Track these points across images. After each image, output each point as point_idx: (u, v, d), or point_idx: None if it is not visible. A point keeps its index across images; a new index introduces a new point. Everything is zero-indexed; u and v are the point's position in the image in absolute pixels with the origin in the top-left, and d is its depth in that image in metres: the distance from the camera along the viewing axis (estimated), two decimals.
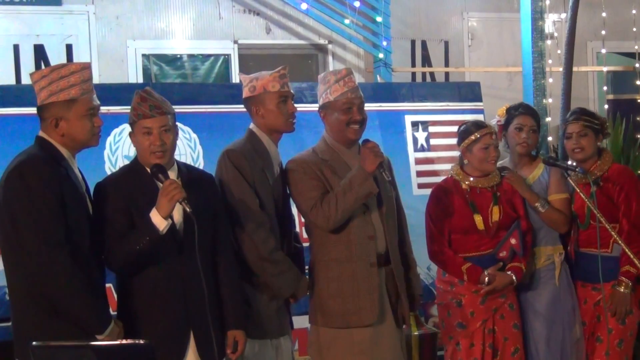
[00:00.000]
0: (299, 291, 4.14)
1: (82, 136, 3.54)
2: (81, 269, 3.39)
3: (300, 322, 4.49)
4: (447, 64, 8.19)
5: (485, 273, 4.52)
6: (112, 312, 3.68)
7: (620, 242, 4.38)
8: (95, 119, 3.55)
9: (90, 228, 3.58)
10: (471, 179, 4.66)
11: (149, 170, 3.68)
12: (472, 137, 4.62)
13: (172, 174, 3.73)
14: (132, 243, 3.56)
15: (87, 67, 3.61)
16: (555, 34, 7.30)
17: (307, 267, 4.29)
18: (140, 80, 7.14)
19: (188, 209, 3.52)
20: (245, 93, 4.18)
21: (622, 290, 4.56)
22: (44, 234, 3.34)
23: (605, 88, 7.59)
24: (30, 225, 3.35)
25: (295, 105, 5.62)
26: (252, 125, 4.17)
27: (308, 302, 4.25)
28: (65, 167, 3.50)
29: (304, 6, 7.20)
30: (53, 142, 3.53)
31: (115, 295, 3.85)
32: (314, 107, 5.66)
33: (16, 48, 6.88)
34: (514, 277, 4.55)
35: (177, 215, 3.64)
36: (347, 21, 7.24)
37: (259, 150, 4.10)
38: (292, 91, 4.19)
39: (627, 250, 4.33)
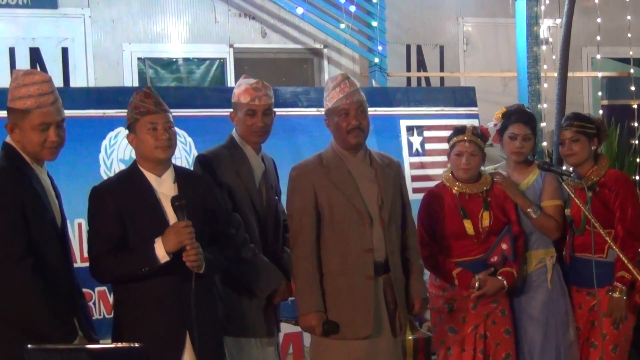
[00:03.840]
0: (279, 293, 4.18)
1: (31, 148, 3.47)
2: (45, 282, 3.35)
3: (295, 327, 4.49)
4: (442, 69, 8.21)
5: (476, 278, 4.54)
6: (108, 315, 3.68)
7: (614, 247, 4.38)
8: (50, 134, 3.47)
9: (59, 236, 3.54)
10: (460, 184, 4.68)
11: (146, 174, 3.72)
12: (450, 143, 4.69)
13: (169, 177, 3.76)
14: (128, 267, 3.58)
15: (47, 80, 3.54)
16: (550, 40, 7.32)
17: None
18: (136, 83, 7.16)
19: (189, 266, 3.54)
20: (232, 97, 4.29)
21: (616, 295, 4.56)
22: (4, 248, 3.31)
23: (600, 93, 7.59)
24: None
25: (290, 109, 5.70)
26: (233, 131, 4.29)
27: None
28: (29, 176, 3.45)
29: (299, 10, 7.22)
30: (18, 149, 3.49)
31: (111, 299, 3.86)
32: (310, 111, 5.75)
33: (12, 51, 6.89)
34: (505, 282, 4.56)
35: (174, 221, 3.65)
36: (342, 25, 7.26)
37: (236, 155, 4.18)
38: (268, 104, 4.22)
39: (621, 256, 4.34)
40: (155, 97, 3.75)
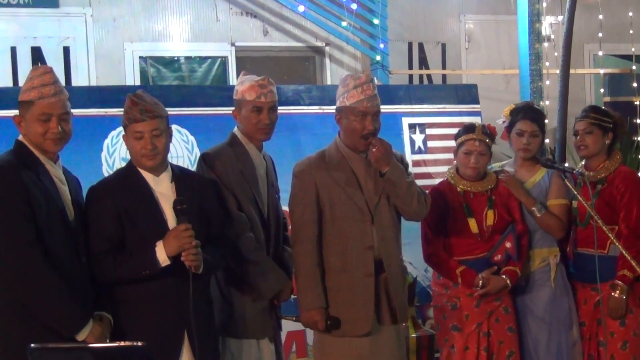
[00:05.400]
0: (283, 293, 4.16)
1: (34, 139, 3.52)
2: (55, 269, 3.38)
3: (298, 324, 4.49)
4: (444, 66, 8.21)
5: (480, 276, 4.53)
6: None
7: (617, 244, 4.37)
8: (51, 125, 3.51)
9: (67, 229, 3.55)
10: (465, 182, 4.67)
11: (143, 174, 3.72)
12: (459, 140, 4.66)
13: (166, 177, 3.76)
14: (128, 270, 3.59)
15: (48, 71, 3.60)
16: (552, 37, 7.31)
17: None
18: (138, 82, 7.16)
19: (187, 266, 3.56)
20: (234, 94, 4.25)
21: (617, 295, 4.54)
22: (14, 234, 3.35)
23: (602, 90, 7.59)
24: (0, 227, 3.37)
25: (292, 107, 5.69)
26: (235, 129, 4.24)
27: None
28: (36, 171, 3.49)
29: (301, 8, 7.22)
30: (29, 145, 3.55)
31: None
32: (312, 109, 5.75)
33: (13, 50, 6.90)
34: (508, 281, 4.55)
35: (172, 221, 3.67)
36: (344, 23, 7.26)
37: (239, 153, 4.14)
38: (273, 101, 4.18)
39: (625, 253, 4.31)
40: (142, 105, 3.70)
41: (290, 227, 4.25)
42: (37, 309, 3.39)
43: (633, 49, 7.25)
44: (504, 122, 4.88)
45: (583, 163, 4.86)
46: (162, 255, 3.55)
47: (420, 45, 8.15)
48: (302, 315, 4.08)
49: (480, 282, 4.53)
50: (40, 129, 3.51)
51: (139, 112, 3.68)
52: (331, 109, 4.29)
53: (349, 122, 4.09)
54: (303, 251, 4.06)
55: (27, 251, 3.34)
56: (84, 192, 3.77)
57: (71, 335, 3.41)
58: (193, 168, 4.90)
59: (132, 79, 7.19)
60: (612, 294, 4.53)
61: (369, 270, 4.06)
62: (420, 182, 5.84)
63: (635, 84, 6.89)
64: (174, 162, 4.19)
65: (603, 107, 4.93)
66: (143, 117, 3.68)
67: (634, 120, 6.79)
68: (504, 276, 4.56)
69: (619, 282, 4.53)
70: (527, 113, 4.81)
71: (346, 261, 4.06)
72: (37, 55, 6.94)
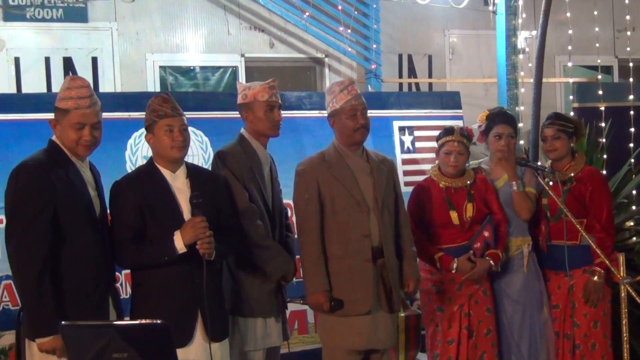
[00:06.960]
0: (289, 274, 4.17)
1: (68, 143, 3.54)
2: (46, 275, 3.35)
3: (299, 305, 4.50)
4: (430, 76, 8.20)
5: (454, 260, 4.53)
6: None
7: (586, 236, 4.34)
8: (84, 133, 3.52)
9: (93, 220, 3.56)
10: (447, 179, 4.67)
11: (162, 171, 3.73)
12: (440, 142, 4.67)
13: (182, 173, 3.77)
14: (149, 256, 3.60)
15: (85, 85, 3.60)
16: (527, 49, 7.31)
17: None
18: (158, 89, 7.15)
19: (201, 253, 3.56)
20: (239, 99, 4.23)
21: (595, 279, 4.55)
22: (26, 230, 3.35)
23: (571, 97, 7.55)
24: (16, 221, 3.38)
25: (295, 111, 5.70)
26: (242, 130, 4.24)
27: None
28: (66, 169, 3.50)
29: (303, 24, 7.21)
30: (61, 146, 3.55)
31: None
32: (312, 113, 5.75)
33: (47, 60, 6.89)
34: (491, 262, 4.55)
35: (187, 213, 3.67)
36: (342, 36, 7.24)
37: (248, 151, 4.14)
38: (279, 101, 4.21)
39: (595, 247, 4.27)
40: (172, 102, 3.75)
41: (291, 217, 4.25)
42: (22, 299, 3.42)
43: (599, 61, 7.26)
44: (479, 126, 4.88)
45: (549, 163, 4.87)
46: (179, 243, 3.55)
47: (409, 57, 8.14)
48: (309, 298, 4.08)
49: (455, 265, 4.53)
50: (74, 135, 3.52)
51: (170, 108, 3.71)
52: None
53: (342, 122, 4.11)
54: (308, 241, 4.05)
55: (31, 249, 3.34)
56: (107, 184, 3.77)
57: (32, 338, 3.41)
58: (207, 165, 4.91)
59: (153, 86, 7.19)
60: (592, 278, 4.54)
61: (366, 256, 4.07)
62: (408, 179, 5.89)
63: (600, 92, 6.88)
64: (190, 160, 4.19)
65: (564, 114, 4.97)
66: (174, 113, 3.71)
67: (600, 124, 6.78)
68: (487, 258, 4.56)
69: (597, 268, 4.54)
70: (503, 117, 4.82)
71: (346, 248, 4.07)
72: (68, 64, 6.93)
